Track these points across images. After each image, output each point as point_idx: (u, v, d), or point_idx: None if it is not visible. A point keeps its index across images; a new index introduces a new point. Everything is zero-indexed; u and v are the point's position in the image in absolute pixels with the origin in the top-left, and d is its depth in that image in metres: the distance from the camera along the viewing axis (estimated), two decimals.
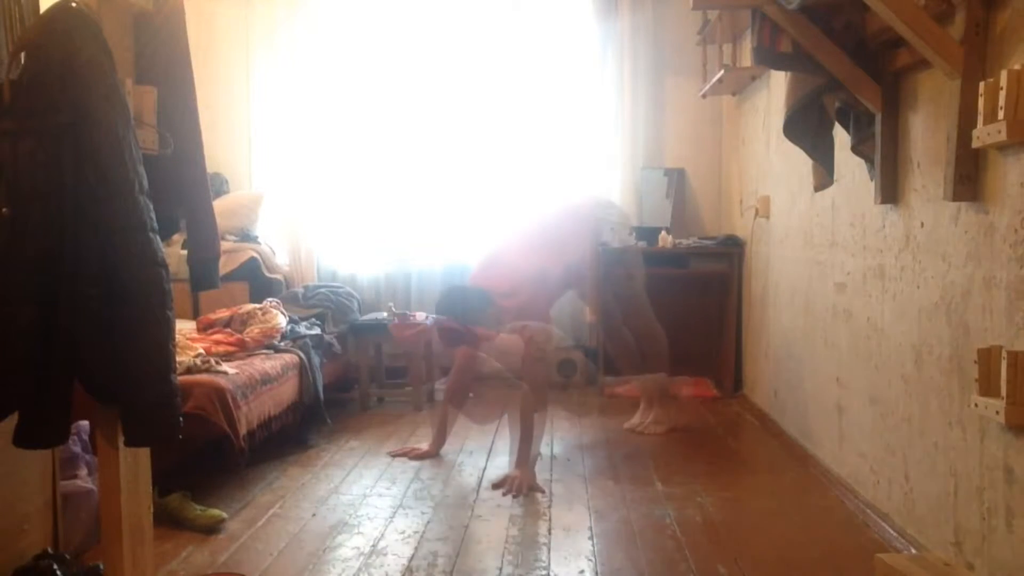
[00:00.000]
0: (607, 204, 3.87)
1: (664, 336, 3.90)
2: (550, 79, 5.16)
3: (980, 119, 1.87)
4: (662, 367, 3.93)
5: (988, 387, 1.87)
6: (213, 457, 3.06)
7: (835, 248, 3.12)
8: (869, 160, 2.69)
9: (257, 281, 4.65)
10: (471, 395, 4.68)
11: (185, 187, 2.04)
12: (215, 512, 2.71)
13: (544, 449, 3.61)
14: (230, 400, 2.93)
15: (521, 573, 2.37)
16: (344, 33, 5.17)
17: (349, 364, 4.65)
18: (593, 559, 2.46)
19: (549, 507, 2.92)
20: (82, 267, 1.68)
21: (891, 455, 2.60)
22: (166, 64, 1.99)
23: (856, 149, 2.74)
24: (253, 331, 3.66)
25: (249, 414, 3.07)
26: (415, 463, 3.45)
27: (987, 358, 1.88)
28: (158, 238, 1.77)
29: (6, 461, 2.04)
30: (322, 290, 4.71)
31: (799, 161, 3.35)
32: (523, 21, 5.13)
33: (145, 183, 1.76)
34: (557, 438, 3.83)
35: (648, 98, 5.13)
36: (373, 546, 2.57)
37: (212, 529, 2.66)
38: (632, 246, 3.88)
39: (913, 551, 2.38)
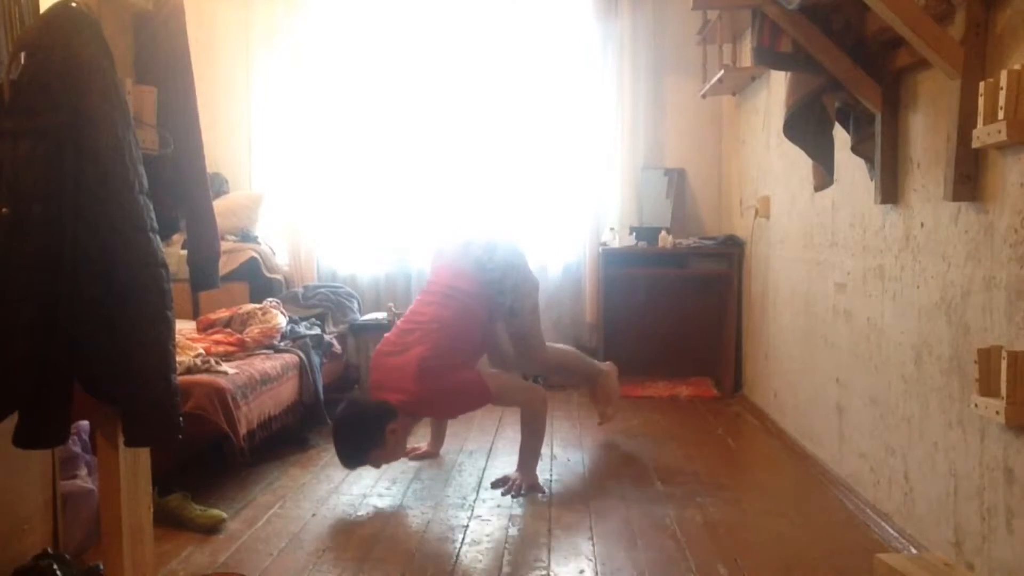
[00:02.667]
0: (489, 246, 3.28)
1: (566, 351, 3.72)
2: (550, 79, 5.16)
3: (980, 119, 1.87)
4: (585, 375, 3.81)
5: (988, 387, 1.88)
6: (213, 457, 3.06)
7: (835, 248, 3.12)
8: (869, 160, 2.69)
9: (257, 281, 4.65)
10: None
11: (185, 187, 2.04)
12: (215, 512, 2.71)
13: (544, 449, 3.61)
14: (230, 400, 2.93)
15: (521, 573, 2.37)
16: (344, 33, 5.17)
17: (349, 364, 4.64)
18: (593, 559, 2.46)
19: (549, 507, 2.92)
20: (82, 267, 1.68)
21: (891, 455, 2.60)
22: (166, 64, 1.99)
23: (856, 149, 2.74)
24: (253, 331, 3.66)
25: (249, 414, 3.07)
26: (415, 463, 3.44)
27: (987, 358, 1.88)
28: (158, 238, 1.78)
29: (6, 461, 2.04)
30: (322, 290, 4.71)
31: (799, 161, 3.35)
32: (523, 21, 5.13)
33: (145, 183, 1.76)
34: (557, 438, 3.83)
35: (648, 98, 5.13)
36: (373, 546, 2.57)
37: (212, 529, 2.66)
38: (521, 280, 3.29)
39: (913, 551, 2.38)
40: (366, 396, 3.19)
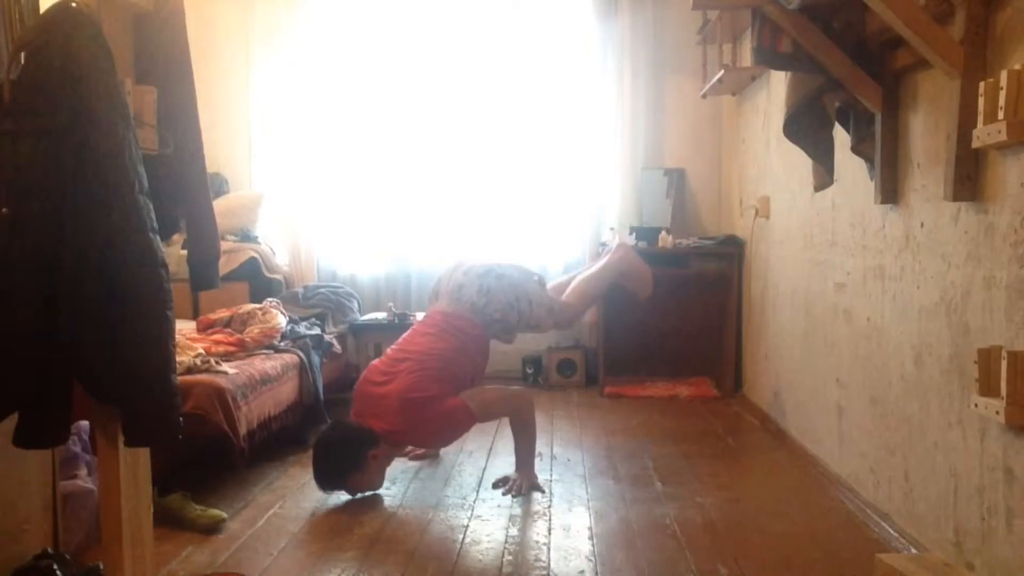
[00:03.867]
0: (482, 289, 3.25)
1: (581, 288, 3.52)
2: (550, 79, 5.17)
3: (980, 119, 1.87)
4: (614, 278, 3.65)
5: (988, 387, 1.87)
6: (213, 457, 3.06)
7: (835, 248, 3.12)
8: (869, 160, 2.69)
9: (257, 281, 4.65)
10: None
11: (185, 187, 2.04)
12: (215, 512, 2.71)
13: (544, 449, 3.61)
14: (230, 400, 2.93)
15: (521, 573, 2.37)
16: (344, 33, 5.17)
17: (349, 364, 4.65)
18: (593, 559, 2.46)
19: (549, 507, 2.92)
20: (82, 267, 1.68)
21: (891, 455, 2.60)
22: (166, 64, 1.99)
23: (856, 149, 2.74)
24: (253, 331, 3.66)
25: (249, 414, 3.07)
26: (415, 463, 3.44)
27: (987, 358, 1.88)
28: (158, 238, 1.77)
29: (6, 461, 2.04)
30: (322, 290, 4.71)
31: (799, 161, 3.35)
32: (523, 21, 5.14)
33: (145, 183, 1.76)
34: (557, 438, 3.83)
35: (648, 98, 5.13)
36: (373, 546, 2.57)
37: (212, 529, 2.66)
38: (526, 309, 3.27)
39: (913, 551, 2.38)
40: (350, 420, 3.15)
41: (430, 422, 3.01)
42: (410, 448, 3.51)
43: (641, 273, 3.73)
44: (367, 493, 3.03)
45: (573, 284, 3.61)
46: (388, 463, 3.12)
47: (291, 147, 5.16)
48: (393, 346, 3.28)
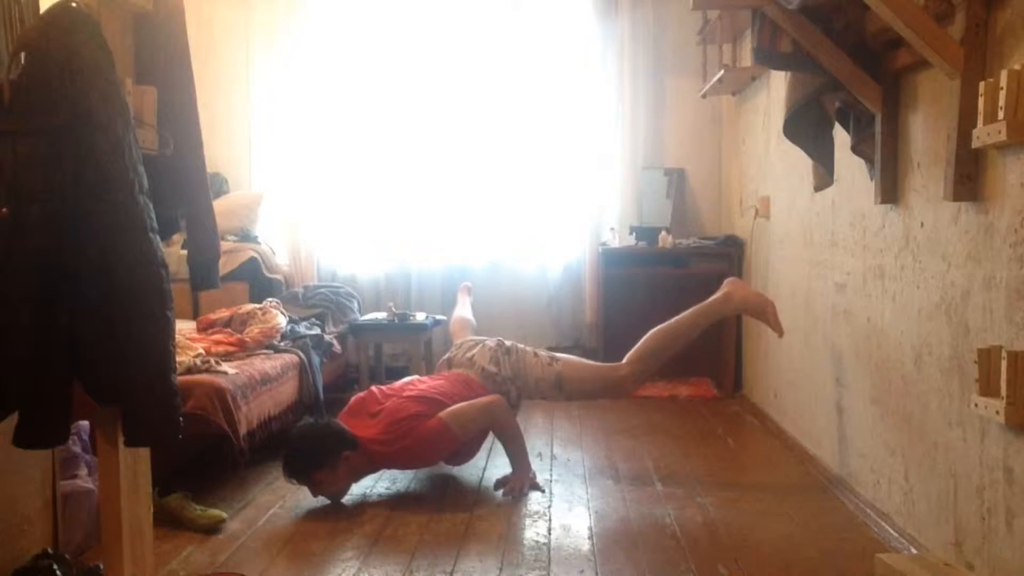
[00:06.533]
0: (493, 359, 3.36)
1: (654, 341, 3.38)
2: (550, 79, 5.16)
3: (980, 119, 1.87)
4: (709, 321, 3.41)
5: (988, 387, 1.88)
6: (213, 457, 3.05)
7: (835, 248, 3.12)
8: (869, 160, 2.69)
9: (257, 281, 4.65)
10: None
11: (185, 187, 2.04)
12: (215, 512, 2.71)
13: (544, 449, 3.61)
14: (230, 400, 2.93)
15: (521, 573, 2.37)
16: (344, 34, 5.17)
17: (349, 364, 4.65)
18: (593, 559, 2.46)
19: (549, 507, 2.92)
20: (82, 267, 1.68)
21: (891, 455, 2.60)
22: (166, 64, 1.99)
23: (856, 149, 2.74)
24: (253, 331, 3.66)
25: (249, 414, 3.07)
26: None
27: (987, 358, 1.88)
28: (158, 238, 1.78)
29: (6, 461, 2.04)
30: (322, 290, 4.72)
31: (799, 161, 3.35)
32: (523, 21, 5.14)
33: (145, 183, 1.76)
34: (557, 438, 3.83)
35: (648, 98, 5.13)
36: (373, 546, 2.57)
37: (212, 529, 2.66)
38: (530, 377, 3.34)
39: (913, 551, 2.38)
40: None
41: (407, 437, 2.98)
42: None
43: (761, 307, 3.34)
44: (328, 501, 2.97)
45: (645, 338, 3.39)
46: (358, 476, 3.04)
47: (291, 147, 5.16)
48: (405, 380, 3.33)
